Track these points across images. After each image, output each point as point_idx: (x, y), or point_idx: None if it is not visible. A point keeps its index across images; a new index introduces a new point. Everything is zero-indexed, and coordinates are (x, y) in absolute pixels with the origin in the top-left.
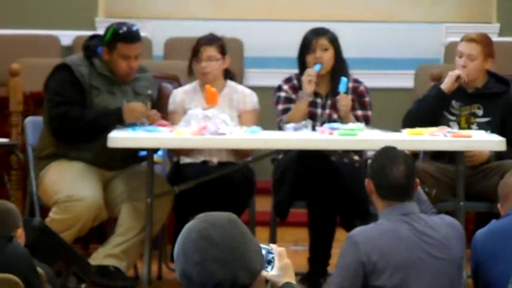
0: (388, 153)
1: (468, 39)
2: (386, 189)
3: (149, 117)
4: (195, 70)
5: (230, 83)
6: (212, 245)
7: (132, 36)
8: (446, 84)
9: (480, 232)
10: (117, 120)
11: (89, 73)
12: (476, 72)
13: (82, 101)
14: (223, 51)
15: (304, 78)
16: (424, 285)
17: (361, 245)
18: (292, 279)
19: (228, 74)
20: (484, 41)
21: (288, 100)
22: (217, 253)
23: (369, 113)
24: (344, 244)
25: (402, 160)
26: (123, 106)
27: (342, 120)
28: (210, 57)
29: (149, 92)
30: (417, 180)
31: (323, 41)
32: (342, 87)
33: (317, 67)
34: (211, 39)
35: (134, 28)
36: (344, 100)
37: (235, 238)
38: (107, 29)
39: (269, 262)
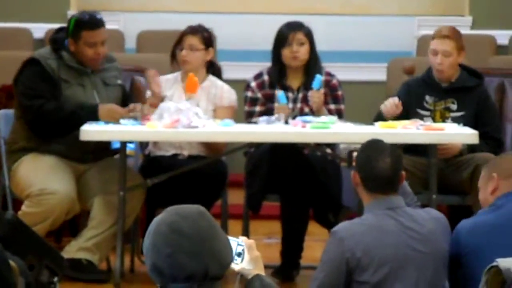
0: (374, 145)
1: (441, 36)
2: (372, 182)
3: (142, 111)
4: (178, 58)
5: (212, 77)
6: (183, 238)
7: (95, 23)
8: (387, 112)
9: (464, 225)
10: (93, 117)
11: (58, 66)
12: (452, 67)
13: (54, 95)
14: (207, 43)
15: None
16: (410, 280)
17: (346, 241)
18: (261, 271)
19: (212, 68)
20: (456, 36)
21: (254, 101)
22: (188, 245)
23: (342, 106)
24: (328, 239)
25: (388, 152)
26: (100, 106)
27: (315, 114)
28: (191, 46)
29: (119, 81)
30: (403, 173)
31: (300, 35)
32: (315, 84)
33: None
34: (196, 29)
35: (96, 15)
36: (316, 96)
37: (206, 231)
38: (69, 20)
39: (239, 254)
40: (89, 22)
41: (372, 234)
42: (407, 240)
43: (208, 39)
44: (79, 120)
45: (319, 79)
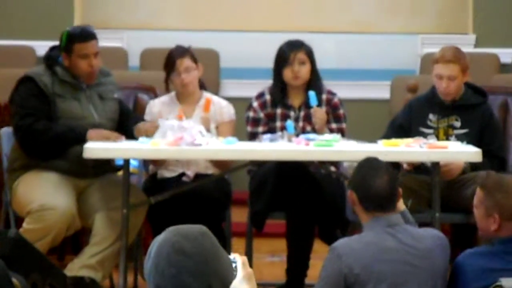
0: (370, 164)
1: (445, 60)
2: (369, 201)
3: (148, 130)
4: (173, 84)
5: (206, 94)
6: (187, 258)
7: (86, 35)
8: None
9: (472, 268)
10: (81, 140)
11: (52, 82)
12: (458, 89)
13: (47, 112)
14: (195, 60)
15: None
16: None
17: (344, 257)
18: None
19: (200, 84)
20: (460, 58)
21: (256, 121)
22: (192, 265)
23: (344, 125)
24: (327, 255)
25: (384, 170)
26: (89, 130)
27: (317, 132)
28: (188, 68)
29: (115, 95)
30: (400, 190)
31: (301, 55)
32: (313, 101)
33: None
34: (184, 51)
35: (88, 28)
36: (319, 113)
37: (209, 250)
38: (62, 34)
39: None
40: (80, 35)
41: (370, 250)
42: (405, 257)
43: (195, 56)
44: (67, 142)
45: (313, 95)
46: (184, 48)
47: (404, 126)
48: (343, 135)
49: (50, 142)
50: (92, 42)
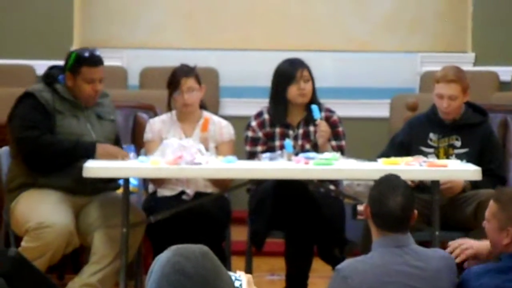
0: (388, 182)
1: (447, 80)
2: (381, 219)
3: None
4: (175, 102)
5: (206, 113)
6: (186, 278)
7: (95, 60)
8: None
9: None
10: (90, 154)
11: (53, 98)
12: (458, 108)
13: (49, 127)
14: (199, 81)
15: None
16: None
17: (349, 280)
18: None
19: (201, 103)
20: (461, 78)
21: (255, 141)
22: (191, 286)
23: (343, 143)
24: (332, 276)
25: (401, 191)
26: (97, 145)
27: (319, 148)
28: (191, 88)
29: (112, 117)
30: (415, 212)
31: (306, 73)
32: (316, 114)
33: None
34: (189, 70)
35: (96, 52)
36: (323, 126)
37: (209, 271)
38: (69, 55)
39: None
40: (89, 59)
41: (375, 273)
42: (411, 279)
43: (199, 77)
44: (75, 156)
45: (315, 108)
46: (190, 67)
47: (404, 144)
48: (342, 152)
49: (57, 156)
50: (100, 67)
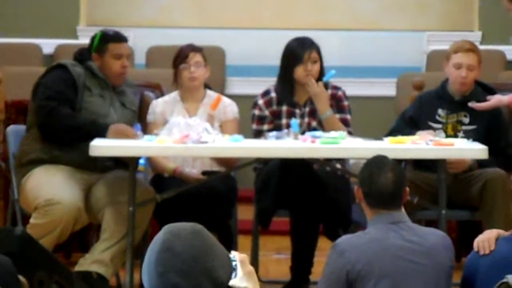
0: (377, 161)
1: (466, 49)
2: (373, 197)
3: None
4: (181, 77)
5: (209, 92)
6: (175, 257)
7: (120, 36)
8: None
9: (483, 262)
10: (101, 134)
11: (85, 74)
12: (473, 81)
13: (72, 101)
14: (205, 60)
15: None
16: None
17: (347, 253)
18: (256, 286)
19: (205, 84)
20: (478, 50)
21: (262, 119)
22: (180, 264)
23: (348, 116)
24: (329, 252)
25: (390, 168)
26: (110, 126)
27: (318, 112)
28: (198, 63)
29: (134, 108)
30: (407, 189)
31: (314, 54)
32: (326, 77)
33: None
34: (196, 47)
35: (120, 31)
36: (311, 82)
37: (199, 249)
38: (93, 37)
39: (233, 269)
40: (115, 35)
41: (373, 247)
42: (408, 253)
43: (205, 56)
44: (87, 133)
45: (331, 74)
46: (197, 46)
47: (414, 119)
48: (347, 125)
49: (71, 129)
50: (126, 44)
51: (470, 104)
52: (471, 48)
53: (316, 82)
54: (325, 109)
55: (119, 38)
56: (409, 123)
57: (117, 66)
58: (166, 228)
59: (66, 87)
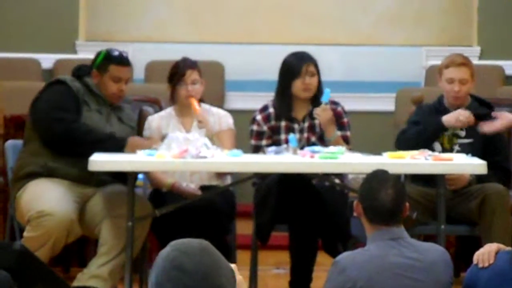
0: (377, 177)
1: (458, 64)
2: (373, 213)
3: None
4: (178, 95)
5: (204, 105)
6: (184, 274)
7: (124, 59)
8: (449, 122)
9: (482, 274)
10: (118, 148)
11: (83, 89)
12: (467, 94)
13: (79, 114)
14: (201, 75)
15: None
16: None
17: (348, 271)
18: None
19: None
20: (470, 63)
21: (260, 134)
22: (189, 282)
23: (348, 133)
24: (330, 268)
25: (391, 184)
26: (128, 138)
27: (324, 132)
28: (195, 81)
29: (132, 124)
30: (407, 205)
31: (311, 68)
32: (325, 97)
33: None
34: (193, 63)
35: (125, 54)
36: (320, 110)
37: (208, 266)
38: (98, 53)
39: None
40: (119, 58)
41: (373, 264)
42: (408, 271)
43: (200, 70)
44: (106, 148)
45: (327, 92)
46: (193, 60)
47: (420, 123)
48: (347, 142)
49: (91, 144)
50: (128, 68)
51: (480, 130)
52: (463, 62)
53: (314, 97)
54: (333, 132)
55: (122, 62)
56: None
57: (114, 88)
58: (173, 245)
59: (71, 100)
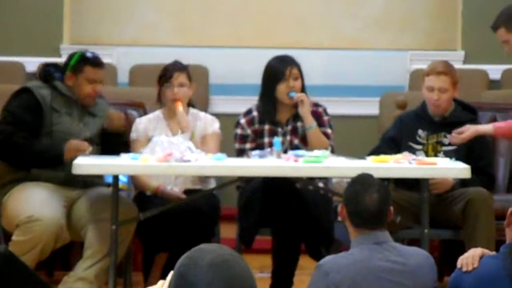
0: (362, 180)
1: (437, 72)
2: (358, 217)
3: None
4: (165, 97)
5: (193, 110)
6: (187, 285)
7: (99, 61)
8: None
9: (466, 278)
10: (56, 162)
11: (51, 95)
12: (448, 102)
13: (34, 126)
14: (190, 78)
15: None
16: None
17: (331, 275)
18: None
19: (190, 101)
20: (451, 71)
21: (244, 138)
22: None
23: (329, 130)
24: (313, 272)
25: (376, 188)
26: (65, 145)
27: (303, 118)
28: (182, 84)
29: (106, 114)
30: (391, 209)
31: (295, 71)
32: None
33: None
34: (182, 66)
35: (99, 56)
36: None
37: (209, 284)
38: (72, 55)
39: None
40: (93, 60)
41: (357, 268)
42: (392, 274)
43: (190, 75)
44: (42, 161)
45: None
46: (183, 64)
47: (395, 139)
48: (328, 138)
49: (25, 157)
50: (102, 69)
51: (450, 140)
52: (443, 71)
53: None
54: (311, 123)
55: (97, 64)
56: (390, 144)
57: (89, 89)
58: (193, 250)
59: (29, 112)
